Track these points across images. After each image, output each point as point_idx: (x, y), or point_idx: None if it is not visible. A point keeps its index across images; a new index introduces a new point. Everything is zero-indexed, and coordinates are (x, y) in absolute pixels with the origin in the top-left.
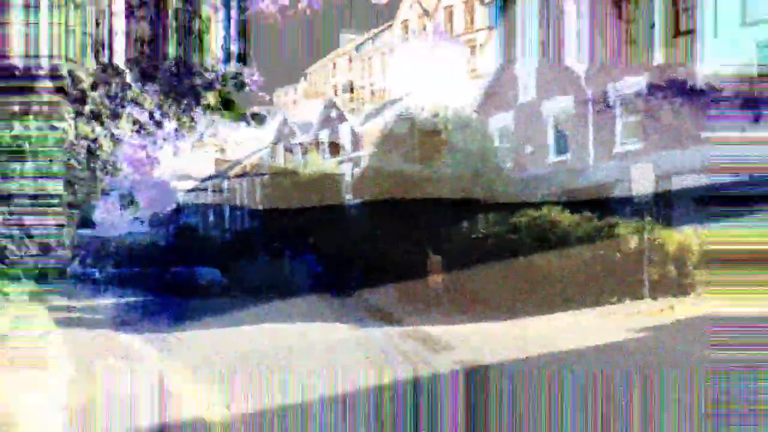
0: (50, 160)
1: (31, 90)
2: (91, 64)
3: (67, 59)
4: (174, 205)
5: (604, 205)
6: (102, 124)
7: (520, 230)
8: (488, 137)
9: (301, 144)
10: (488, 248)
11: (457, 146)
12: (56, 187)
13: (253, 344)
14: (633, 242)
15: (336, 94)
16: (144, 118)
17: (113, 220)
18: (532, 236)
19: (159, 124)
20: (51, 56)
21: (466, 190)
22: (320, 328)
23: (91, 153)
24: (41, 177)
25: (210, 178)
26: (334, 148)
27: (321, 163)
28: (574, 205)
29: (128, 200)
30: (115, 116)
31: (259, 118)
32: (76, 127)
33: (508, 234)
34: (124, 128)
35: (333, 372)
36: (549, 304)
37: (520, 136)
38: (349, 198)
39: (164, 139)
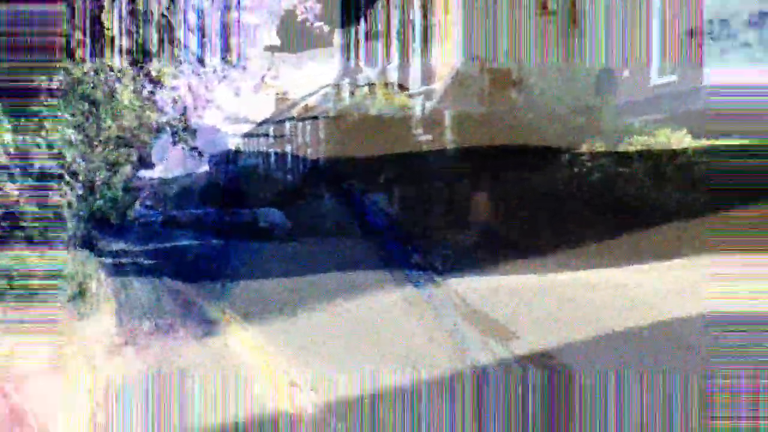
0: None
1: None
2: None
3: None
4: (225, 149)
5: None
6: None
7: (631, 161)
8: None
9: (368, 83)
10: (592, 185)
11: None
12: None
13: (325, 297)
14: None
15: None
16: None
17: (170, 159)
18: (645, 168)
19: (201, 61)
20: None
21: (563, 118)
22: (395, 278)
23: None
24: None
25: (270, 120)
26: (403, 88)
27: (389, 100)
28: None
29: (180, 130)
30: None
31: None
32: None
33: (617, 166)
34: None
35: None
36: (674, 248)
37: None
38: (419, 133)
39: (213, 73)
